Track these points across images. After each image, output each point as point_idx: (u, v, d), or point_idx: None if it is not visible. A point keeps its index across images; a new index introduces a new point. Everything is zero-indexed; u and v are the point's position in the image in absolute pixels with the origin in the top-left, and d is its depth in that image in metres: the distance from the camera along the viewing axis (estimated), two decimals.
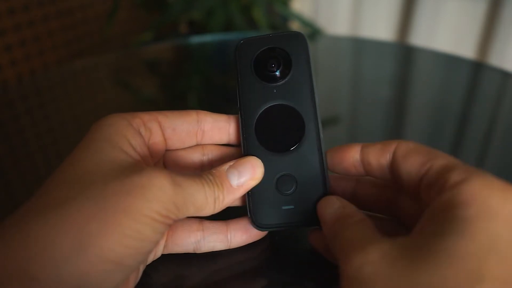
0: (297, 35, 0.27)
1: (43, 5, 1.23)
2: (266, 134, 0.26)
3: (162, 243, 0.25)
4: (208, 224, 0.26)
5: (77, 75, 0.59)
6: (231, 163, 0.24)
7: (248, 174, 0.24)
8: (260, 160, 0.25)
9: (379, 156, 0.23)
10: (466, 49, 1.19)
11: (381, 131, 0.43)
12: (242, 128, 0.26)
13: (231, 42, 0.26)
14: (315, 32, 1.04)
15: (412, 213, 0.23)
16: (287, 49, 0.27)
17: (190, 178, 0.22)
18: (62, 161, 0.22)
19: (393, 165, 0.22)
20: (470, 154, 0.38)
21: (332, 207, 0.23)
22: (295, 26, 1.30)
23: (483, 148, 0.39)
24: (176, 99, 0.54)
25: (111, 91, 0.56)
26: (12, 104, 0.52)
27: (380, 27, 1.29)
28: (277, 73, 0.26)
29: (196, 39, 0.69)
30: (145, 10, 1.33)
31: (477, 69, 0.60)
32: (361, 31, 1.31)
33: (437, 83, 0.54)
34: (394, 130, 0.44)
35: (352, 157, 0.24)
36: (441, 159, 0.20)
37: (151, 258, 0.25)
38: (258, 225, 0.25)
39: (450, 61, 0.60)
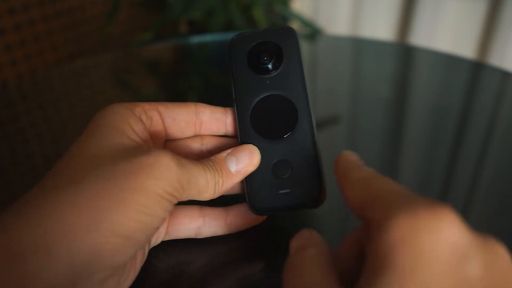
0: (287, 30, 0.28)
1: (43, 5, 1.23)
2: (261, 123, 0.27)
3: (163, 229, 0.26)
4: (208, 211, 0.27)
5: (77, 75, 0.59)
6: (229, 150, 0.25)
7: (246, 161, 0.25)
8: (256, 147, 0.26)
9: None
10: (466, 49, 1.19)
11: (381, 131, 0.43)
12: (238, 118, 0.27)
13: None
14: (315, 32, 1.04)
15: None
16: (278, 42, 0.28)
17: (193, 162, 0.23)
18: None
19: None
20: (470, 154, 0.38)
21: (298, 239, 0.21)
22: (295, 26, 1.30)
23: (483, 148, 0.39)
24: (176, 99, 0.53)
25: (111, 91, 0.56)
26: (12, 104, 0.52)
27: (380, 27, 1.29)
28: (270, 65, 0.28)
29: (196, 39, 0.69)
30: (145, 10, 1.33)
31: (477, 69, 0.60)
32: (361, 31, 1.31)
33: (437, 83, 0.54)
34: (394, 130, 0.44)
35: None
36: (365, 193, 0.19)
37: (153, 242, 0.26)
38: (256, 210, 0.26)
39: (450, 61, 0.60)
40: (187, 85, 0.58)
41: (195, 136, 0.28)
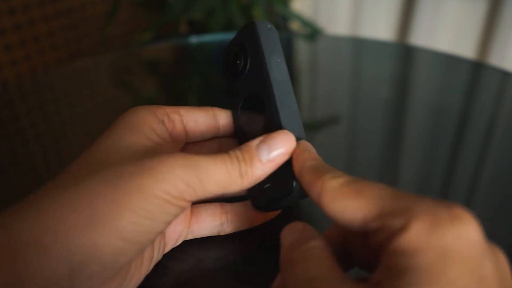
0: (248, 25, 0.28)
1: (43, 5, 1.23)
2: (245, 124, 0.28)
3: (185, 230, 0.27)
4: (230, 207, 0.27)
5: (77, 75, 0.59)
6: (261, 138, 0.23)
7: (279, 148, 0.23)
8: (290, 133, 0.24)
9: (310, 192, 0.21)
10: (466, 49, 1.19)
11: (381, 131, 0.43)
12: (234, 125, 0.29)
13: None
14: (315, 32, 1.04)
15: (360, 247, 0.21)
16: (243, 42, 0.28)
17: (208, 156, 0.22)
18: (65, 158, 0.23)
19: (323, 209, 0.20)
20: (470, 154, 0.38)
21: (293, 232, 0.20)
22: (295, 26, 1.30)
23: (483, 148, 0.39)
24: (176, 99, 0.54)
25: (111, 91, 0.56)
26: (12, 104, 0.52)
27: (380, 27, 1.29)
28: (241, 67, 0.28)
29: (196, 39, 0.69)
30: (145, 10, 1.33)
31: (477, 69, 0.60)
32: (361, 31, 1.31)
33: (437, 83, 0.54)
34: (394, 130, 0.44)
35: None
36: (374, 200, 0.18)
37: (172, 244, 0.26)
38: (255, 207, 0.27)
39: (450, 61, 0.60)
40: (187, 85, 0.58)
41: (214, 138, 0.29)
